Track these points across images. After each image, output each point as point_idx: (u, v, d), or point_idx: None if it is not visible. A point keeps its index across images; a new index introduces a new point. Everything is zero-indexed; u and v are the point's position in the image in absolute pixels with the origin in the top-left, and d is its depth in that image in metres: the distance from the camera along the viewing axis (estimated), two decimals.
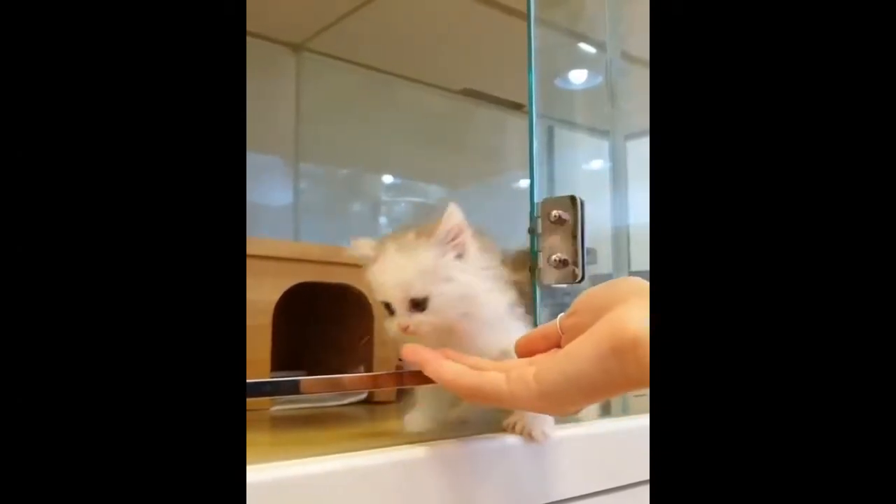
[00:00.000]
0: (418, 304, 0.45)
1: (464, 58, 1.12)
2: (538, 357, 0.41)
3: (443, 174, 1.32)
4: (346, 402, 0.72)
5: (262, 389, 0.43)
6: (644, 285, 0.36)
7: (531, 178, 0.56)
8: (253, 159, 1.12)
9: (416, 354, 0.42)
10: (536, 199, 0.57)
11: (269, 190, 1.13)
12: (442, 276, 0.46)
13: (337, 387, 0.48)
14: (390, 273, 0.46)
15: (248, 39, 1.03)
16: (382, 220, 1.26)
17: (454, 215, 0.46)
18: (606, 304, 0.36)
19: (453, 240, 0.46)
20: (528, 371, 0.37)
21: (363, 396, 0.73)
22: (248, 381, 0.40)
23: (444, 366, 0.40)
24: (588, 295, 0.39)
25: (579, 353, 0.35)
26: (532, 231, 0.57)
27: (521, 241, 1.34)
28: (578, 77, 0.94)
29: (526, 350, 0.43)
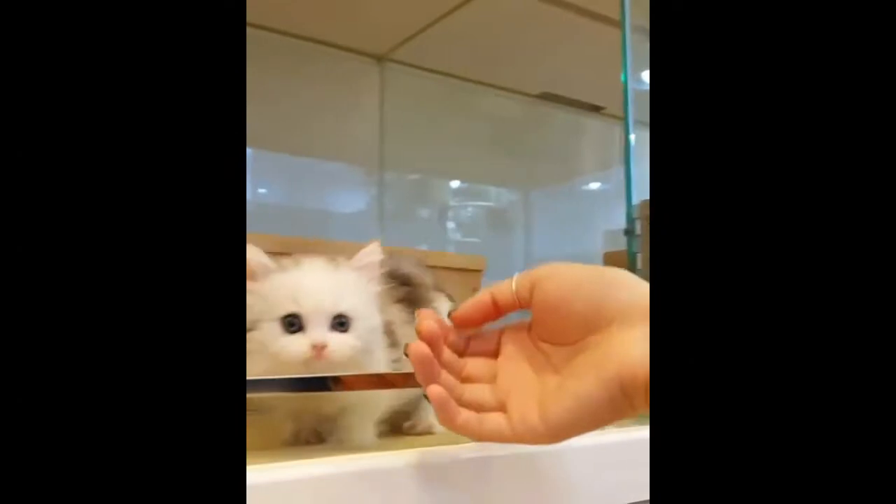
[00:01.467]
0: (342, 324, 0.42)
1: (542, 62, 1.13)
2: (530, 388, 0.37)
3: (515, 178, 1.33)
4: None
5: (300, 385, 0.41)
6: (641, 297, 0.34)
7: (627, 180, 0.56)
8: (332, 168, 1.17)
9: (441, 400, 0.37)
10: (634, 201, 0.56)
11: (339, 197, 1.17)
12: (366, 301, 0.44)
13: (380, 384, 0.45)
14: (315, 283, 0.42)
15: (333, 52, 1.08)
16: (450, 224, 1.28)
17: (375, 253, 0.45)
18: (601, 308, 0.34)
19: (368, 274, 0.45)
20: (531, 411, 0.35)
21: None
22: (288, 377, 0.40)
23: (457, 415, 0.37)
24: (569, 275, 0.36)
25: (587, 393, 0.33)
26: (629, 233, 0.56)
27: (595, 243, 1.34)
28: None
29: (466, 320, 0.39)
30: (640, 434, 0.47)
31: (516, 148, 1.29)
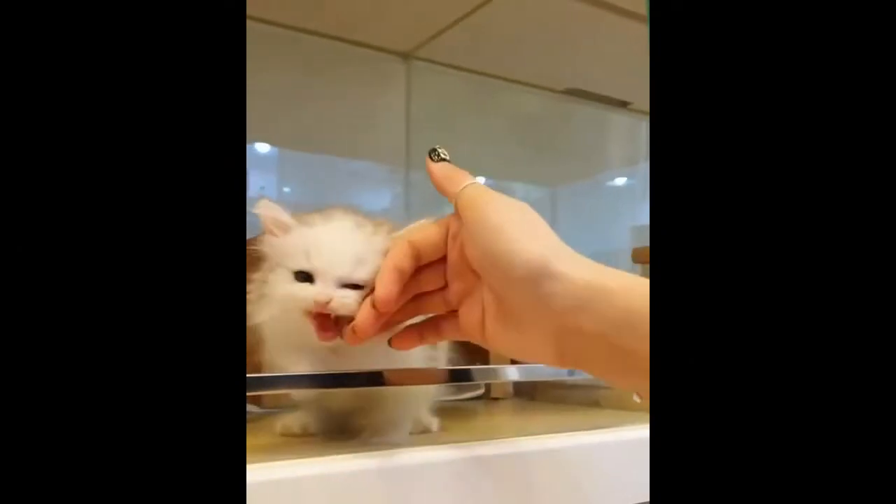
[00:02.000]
0: (354, 285, 0.41)
1: (568, 58, 1.13)
2: (474, 296, 0.40)
3: (541, 174, 1.33)
4: (462, 397, 0.73)
5: (344, 381, 0.42)
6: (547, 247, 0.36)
7: None
8: (358, 166, 1.18)
9: None
10: None
11: (365, 194, 1.18)
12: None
13: (421, 379, 0.46)
14: (333, 245, 0.42)
15: (359, 51, 1.08)
16: None
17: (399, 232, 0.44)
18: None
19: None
20: (477, 325, 0.40)
21: (480, 392, 0.75)
22: (331, 372, 0.41)
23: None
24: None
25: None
26: None
27: (622, 239, 1.33)
28: None
29: (389, 302, 0.39)
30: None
31: (542, 144, 1.29)
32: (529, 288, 0.35)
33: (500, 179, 1.31)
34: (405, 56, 1.12)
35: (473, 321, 0.40)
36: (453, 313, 0.42)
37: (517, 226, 0.37)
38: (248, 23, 1.02)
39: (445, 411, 0.56)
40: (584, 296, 0.33)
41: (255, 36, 0.97)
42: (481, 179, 1.50)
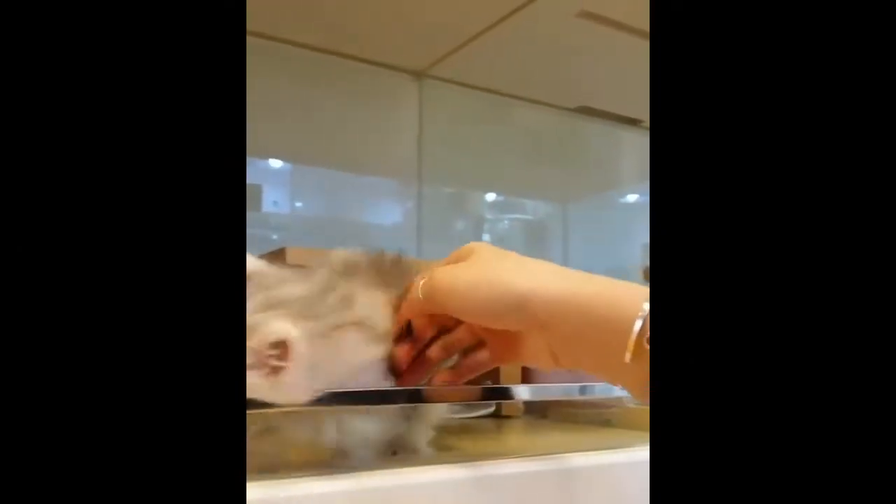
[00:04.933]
0: None
1: (580, 76, 1.13)
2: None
3: (552, 191, 1.33)
4: (473, 415, 0.73)
5: (386, 398, 0.42)
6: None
7: None
8: (370, 182, 1.19)
9: None
10: None
11: (377, 210, 1.19)
12: None
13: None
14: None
15: (373, 69, 1.09)
16: (485, 237, 1.29)
17: None
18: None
19: None
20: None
21: (491, 410, 0.74)
22: (373, 389, 0.42)
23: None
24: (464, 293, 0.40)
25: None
26: None
27: (633, 256, 1.32)
28: None
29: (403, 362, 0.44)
30: None
31: (554, 161, 1.30)
32: (515, 317, 0.38)
33: (512, 196, 1.31)
34: (418, 74, 1.13)
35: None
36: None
37: (481, 277, 0.40)
38: (265, 41, 1.03)
39: (455, 429, 0.56)
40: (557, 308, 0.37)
41: (272, 54, 0.99)
42: (492, 196, 1.49)
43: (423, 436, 0.50)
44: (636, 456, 0.48)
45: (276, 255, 0.69)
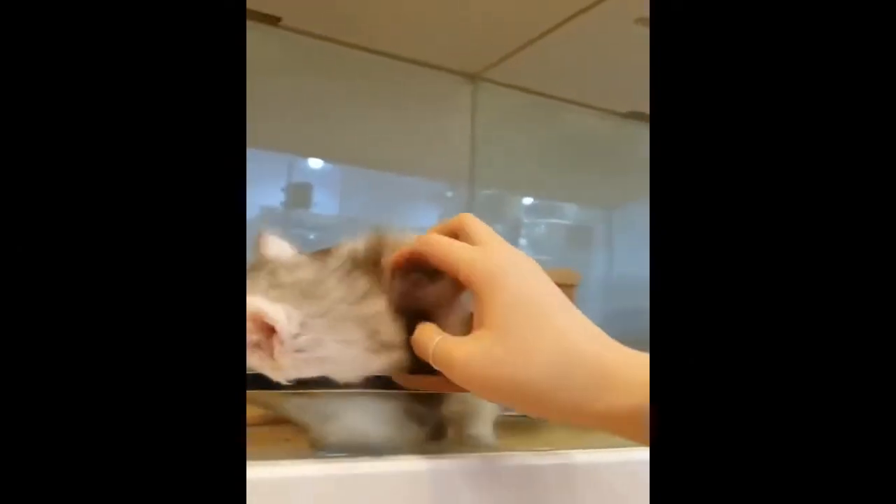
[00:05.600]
0: None
1: (632, 82, 1.13)
2: None
3: (599, 196, 1.33)
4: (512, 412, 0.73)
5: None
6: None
7: None
8: (420, 184, 1.20)
9: None
10: None
11: (427, 212, 1.20)
12: None
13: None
14: None
15: (426, 71, 1.09)
16: (522, 241, 1.28)
17: None
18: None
19: None
20: None
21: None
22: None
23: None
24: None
25: None
26: None
27: None
28: None
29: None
30: None
31: (602, 165, 1.29)
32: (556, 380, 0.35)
33: (557, 200, 1.31)
34: (472, 77, 1.14)
35: None
36: None
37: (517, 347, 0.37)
38: (320, 42, 1.04)
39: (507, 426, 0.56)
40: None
41: (325, 56, 1.01)
42: (528, 200, 1.47)
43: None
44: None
45: (323, 254, 0.69)
